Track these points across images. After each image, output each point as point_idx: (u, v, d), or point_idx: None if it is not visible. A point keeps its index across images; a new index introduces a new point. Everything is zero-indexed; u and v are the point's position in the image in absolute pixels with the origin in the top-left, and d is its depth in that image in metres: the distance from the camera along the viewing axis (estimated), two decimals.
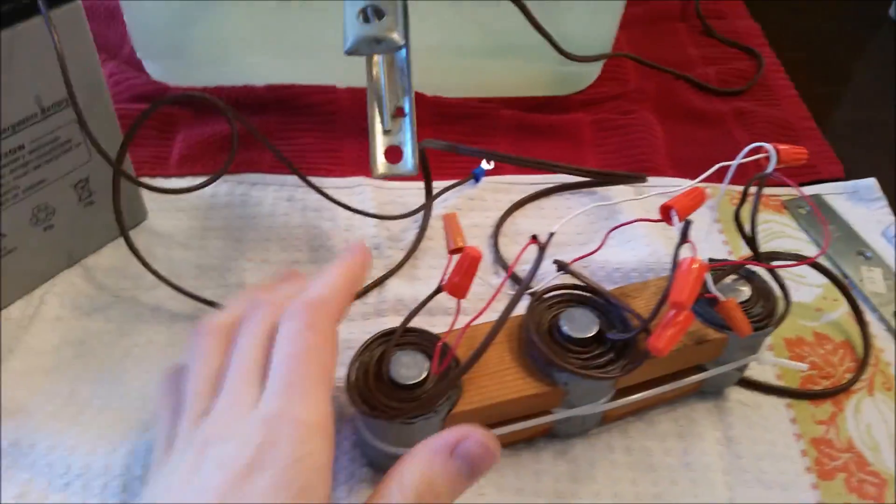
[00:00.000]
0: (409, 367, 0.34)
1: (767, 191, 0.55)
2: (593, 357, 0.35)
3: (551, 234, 0.37)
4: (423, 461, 0.29)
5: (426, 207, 0.50)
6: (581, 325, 0.36)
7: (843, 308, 0.47)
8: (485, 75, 0.58)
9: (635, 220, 0.40)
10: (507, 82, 0.59)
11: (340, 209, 0.50)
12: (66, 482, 0.36)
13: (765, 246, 0.50)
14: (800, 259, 0.46)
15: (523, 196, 0.52)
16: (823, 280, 0.48)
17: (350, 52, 0.39)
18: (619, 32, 0.59)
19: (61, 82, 0.37)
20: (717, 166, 0.38)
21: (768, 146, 0.37)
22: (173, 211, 0.50)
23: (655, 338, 0.33)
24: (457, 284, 0.33)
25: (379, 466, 0.37)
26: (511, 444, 0.39)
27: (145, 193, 0.49)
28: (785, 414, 0.41)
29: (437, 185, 0.51)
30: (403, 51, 0.43)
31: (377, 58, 0.43)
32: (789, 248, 0.50)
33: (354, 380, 0.34)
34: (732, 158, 0.39)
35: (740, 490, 0.38)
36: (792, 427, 0.41)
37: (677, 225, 0.36)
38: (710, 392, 0.41)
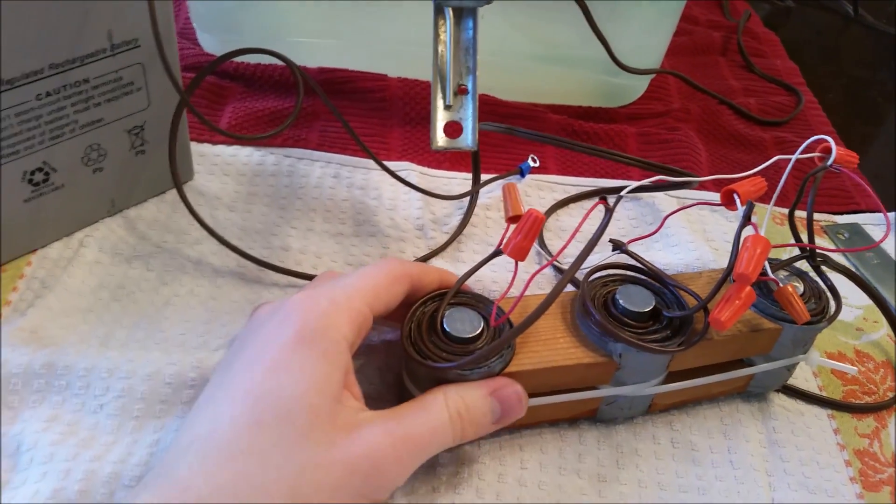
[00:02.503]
0: (464, 322, 0.34)
1: (804, 215, 0.55)
2: (649, 333, 0.35)
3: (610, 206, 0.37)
4: (467, 389, 0.32)
5: (473, 193, 0.50)
6: (637, 300, 0.36)
7: (884, 330, 0.47)
8: (536, 81, 0.59)
9: (696, 204, 0.40)
10: (557, 90, 0.60)
11: (386, 188, 0.50)
12: (100, 403, 0.34)
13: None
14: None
15: (567, 196, 0.52)
16: (864, 302, 0.48)
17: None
18: (664, 59, 0.60)
19: (134, 21, 0.37)
20: (775, 158, 0.39)
21: (829, 138, 0.38)
22: (220, 175, 0.50)
23: (718, 311, 0.32)
24: (518, 245, 0.33)
25: None
26: (555, 421, 0.38)
27: (193, 157, 0.49)
28: (828, 424, 0.41)
29: (483, 177, 0.51)
30: (470, 31, 0.44)
31: (444, 35, 0.44)
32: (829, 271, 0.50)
33: (408, 332, 0.34)
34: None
35: (784, 492, 0.37)
36: (835, 437, 0.40)
37: (740, 209, 0.36)
38: (756, 392, 0.41)
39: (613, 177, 0.54)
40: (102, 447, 0.33)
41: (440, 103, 0.43)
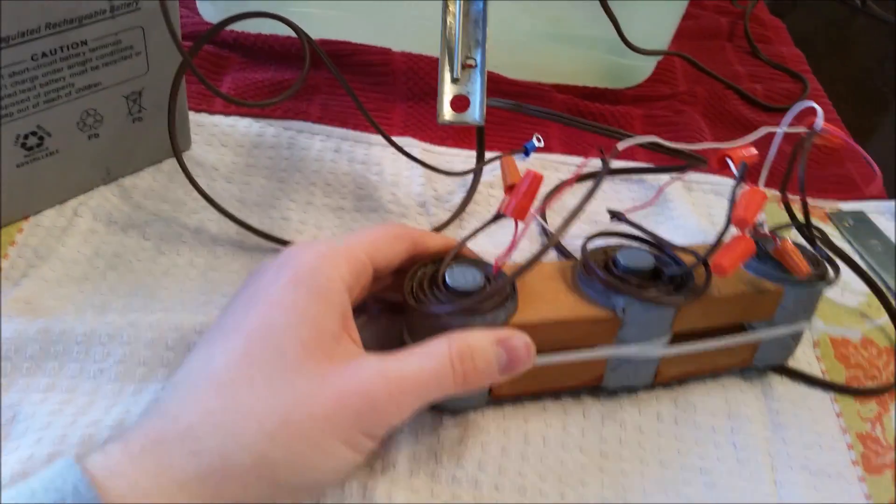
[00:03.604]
0: (466, 277, 0.33)
1: (811, 201, 0.54)
2: (651, 288, 0.35)
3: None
4: (472, 334, 0.31)
5: (477, 170, 0.49)
6: (638, 259, 0.36)
7: (887, 316, 0.46)
8: (542, 59, 0.58)
9: (696, 169, 0.40)
10: (563, 69, 0.59)
11: (388, 164, 0.50)
12: (100, 368, 0.34)
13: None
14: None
15: (571, 175, 0.51)
16: (867, 288, 0.47)
17: None
18: (671, 42, 0.59)
19: None
20: (764, 129, 0.39)
21: (814, 104, 0.40)
22: (217, 145, 0.49)
23: (719, 256, 0.33)
24: (519, 204, 0.33)
25: None
26: (560, 390, 0.37)
27: (191, 127, 0.48)
28: (831, 407, 0.40)
29: (486, 155, 0.50)
30: (480, 3, 0.43)
31: (453, 6, 0.43)
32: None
33: (409, 288, 0.34)
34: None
35: (786, 474, 0.37)
36: (838, 420, 0.40)
37: (735, 172, 0.37)
38: (762, 367, 0.40)
39: (619, 157, 0.54)
40: (101, 411, 0.32)
41: (447, 76, 0.42)
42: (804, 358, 0.42)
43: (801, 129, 0.40)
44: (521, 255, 0.34)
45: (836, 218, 0.53)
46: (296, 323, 0.28)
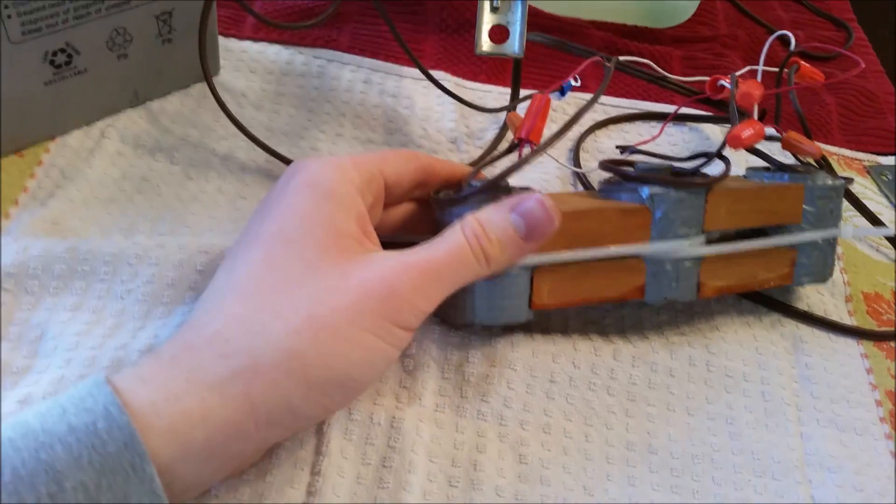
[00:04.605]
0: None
1: (849, 153, 0.53)
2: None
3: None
4: (483, 210, 0.31)
5: (511, 108, 0.47)
6: (655, 166, 0.37)
7: None
8: None
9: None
10: (603, 5, 0.57)
11: (419, 97, 0.48)
12: (128, 289, 0.34)
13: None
14: None
15: (606, 117, 0.50)
16: None
17: None
18: None
19: None
20: (747, 68, 0.42)
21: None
22: (246, 72, 0.48)
23: (736, 129, 0.35)
24: (532, 127, 0.34)
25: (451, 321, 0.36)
26: (602, 302, 0.36)
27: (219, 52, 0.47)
28: (861, 363, 0.40)
29: (521, 93, 0.49)
30: None
31: None
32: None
33: (433, 196, 0.35)
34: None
35: (813, 427, 0.36)
36: (867, 377, 0.39)
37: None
38: (803, 283, 0.39)
39: (655, 100, 0.52)
40: (128, 334, 0.32)
41: (487, 4, 0.40)
42: (836, 312, 0.42)
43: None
44: (548, 189, 0.34)
45: (875, 172, 0.52)
46: (311, 225, 0.29)
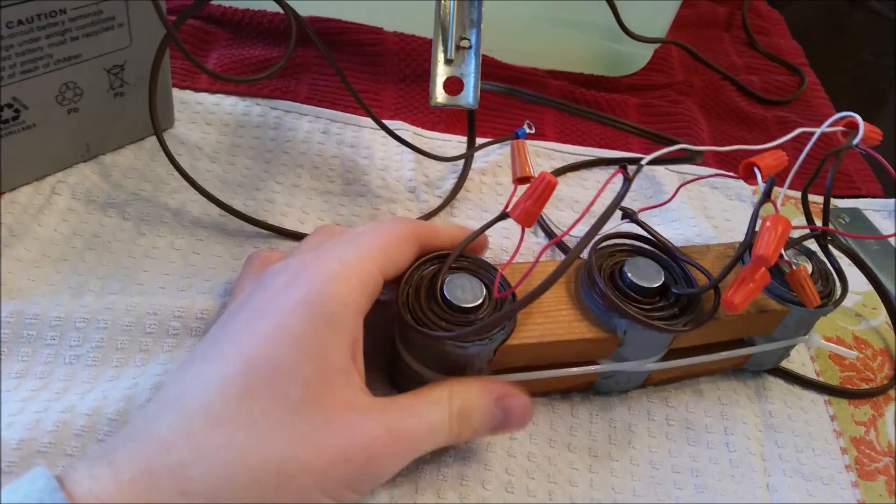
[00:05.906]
0: (465, 290, 0.32)
1: (810, 197, 0.54)
2: (656, 309, 0.33)
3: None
4: (473, 390, 0.31)
5: (468, 157, 0.48)
6: (646, 274, 0.34)
7: (882, 317, 0.46)
8: (537, 43, 0.57)
9: (714, 175, 0.39)
10: (558, 55, 0.58)
11: (378, 147, 0.48)
12: (76, 354, 0.32)
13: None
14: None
15: (565, 164, 0.50)
16: (864, 288, 0.46)
17: None
18: (668, 31, 0.58)
19: None
20: (798, 130, 0.37)
21: (857, 117, 0.36)
22: (202, 123, 0.47)
23: (732, 292, 0.31)
24: (527, 210, 0.31)
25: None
26: (547, 392, 0.36)
27: (174, 104, 0.46)
28: (825, 410, 0.40)
29: (478, 141, 0.49)
30: None
31: None
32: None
33: (405, 297, 0.32)
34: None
35: (779, 478, 0.36)
36: (831, 424, 0.39)
37: (760, 184, 0.34)
38: (753, 370, 0.40)
39: (613, 147, 0.53)
40: (76, 397, 0.31)
41: (441, 57, 0.40)
42: (798, 358, 0.42)
43: (838, 129, 0.38)
44: (521, 255, 0.33)
45: (833, 215, 0.53)
46: (302, 357, 0.27)
